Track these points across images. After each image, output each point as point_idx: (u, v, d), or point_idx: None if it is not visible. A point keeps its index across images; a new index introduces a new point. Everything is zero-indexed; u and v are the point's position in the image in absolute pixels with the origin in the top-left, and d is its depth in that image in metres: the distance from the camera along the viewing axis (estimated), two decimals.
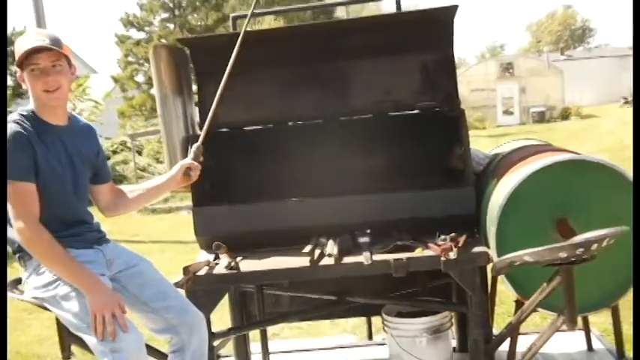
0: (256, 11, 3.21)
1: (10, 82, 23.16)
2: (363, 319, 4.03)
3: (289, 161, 3.28)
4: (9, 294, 2.66)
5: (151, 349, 2.60)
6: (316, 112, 3.33)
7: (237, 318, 3.51)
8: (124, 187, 2.87)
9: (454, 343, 3.31)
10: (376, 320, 3.70)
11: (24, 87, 2.46)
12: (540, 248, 2.33)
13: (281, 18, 23.08)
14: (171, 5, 30.44)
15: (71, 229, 2.49)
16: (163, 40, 24.54)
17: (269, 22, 20.92)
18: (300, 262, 2.74)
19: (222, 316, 3.56)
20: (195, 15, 30.37)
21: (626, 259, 2.63)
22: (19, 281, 2.65)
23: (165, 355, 2.65)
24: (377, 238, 2.82)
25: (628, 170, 2.69)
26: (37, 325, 5.84)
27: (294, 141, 3.30)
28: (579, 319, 3.12)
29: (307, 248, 2.79)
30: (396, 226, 2.91)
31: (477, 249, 2.71)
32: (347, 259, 2.72)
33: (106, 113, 20.17)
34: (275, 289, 3.35)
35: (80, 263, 2.37)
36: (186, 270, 2.74)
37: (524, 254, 2.36)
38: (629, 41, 39.46)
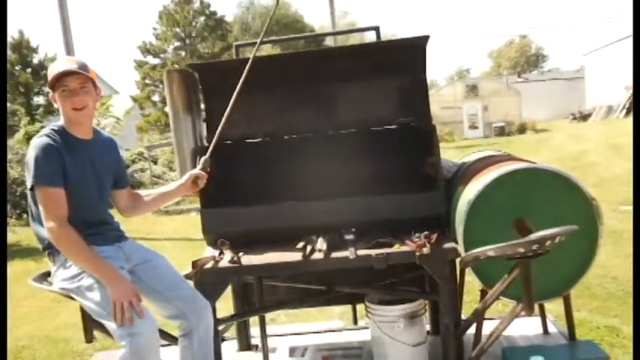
0: (257, 40, 3.21)
1: (42, 101, 23.12)
2: (349, 306, 4.02)
3: (284, 169, 3.28)
4: (40, 285, 2.64)
5: (163, 333, 2.59)
6: (308, 127, 3.33)
7: (239, 306, 3.50)
8: (140, 192, 2.85)
9: (428, 327, 3.30)
10: (360, 307, 3.69)
11: (55, 106, 2.46)
12: (502, 244, 2.34)
13: (278, 46, 23.11)
14: (182, 35, 30.47)
15: (94, 228, 2.48)
16: (176, 66, 24.53)
17: (267, 50, 20.92)
18: (294, 256, 2.73)
19: (226, 304, 3.53)
20: (204, 44, 30.42)
21: (575, 255, 2.65)
22: (48, 274, 2.63)
23: (176, 339, 2.64)
24: (360, 236, 2.82)
25: (576, 177, 2.70)
26: (64, 313, 5.80)
27: (288, 152, 3.30)
28: (536, 307, 3.13)
29: (300, 245, 2.78)
30: (377, 226, 2.90)
31: (447, 245, 2.71)
32: (335, 254, 2.71)
33: (126, 128, 20.07)
34: (272, 280, 3.35)
35: (102, 258, 2.36)
36: (194, 264, 2.74)
37: (488, 249, 2.36)
38: (576, 65, 39.80)
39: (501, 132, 26.03)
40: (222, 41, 30.09)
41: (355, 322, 3.98)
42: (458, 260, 2.70)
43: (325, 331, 3.87)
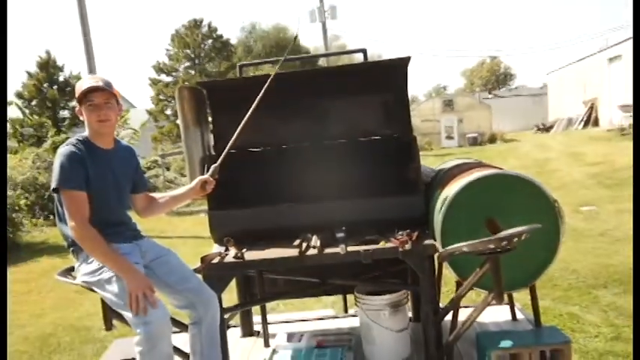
0: (258, 61, 3.21)
1: (67, 114, 23.03)
2: (340, 296, 4.01)
3: (283, 175, 3.27)
4: (64, 279, 2.63)
5: (174, 322, 2.57)
6: (304, 137, 3.33)
7: (242, 296, 3.49)
8: (155, 195, 2.84)
9: (410, 314, 3.30)
10: (350, 297, 3.69)
11: (81, 118, 2.46)
12: (474, 241, 2.34)
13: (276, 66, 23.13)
14: (192, 56, 30.47)
15: (114, 227, 2.47)
16: (186, 83, 24.49)
17: (267, 69, 20.92)
18: (292, 252, 2.72)
19: (230, 295, 3.52)
20: (211, 64, 30.43)
21: (540, 250, 2.65)
22: (72, 269, 2.62)
23: (186, 326, 2.63)
24: (350, 234, 2.81)
25: (540, 181, 2.70)
26: (86, 304, 5.77)
27: (287, 160, 3.29)
28: (505, 296, 3.14)
29: (297, 242, 2.78)
30: (365, 225, 2.90)
31: (426, 242, 2.71)
32: (327, 250, 2.70)
33: (142, 138, 20.02)
34: (272, 273, 3.34)
35: (120, 254, 2.36)
36: (203, 259, 2.73)
37: (462, 246, 2.37)
38: (540, 83, 39.99)
39: (474, 142, 26.05)
40: (227, 61, 30.07)
41: (346, 310, 3.97)
42: (436, 255, 2.70)
43: (319, 319, 3.87)
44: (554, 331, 2.84)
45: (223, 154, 2.81)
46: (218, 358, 2.62)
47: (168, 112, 28.88)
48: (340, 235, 2.80)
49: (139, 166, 2.76)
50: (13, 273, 7.86)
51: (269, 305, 3.88)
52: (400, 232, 2.72)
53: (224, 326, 2.80)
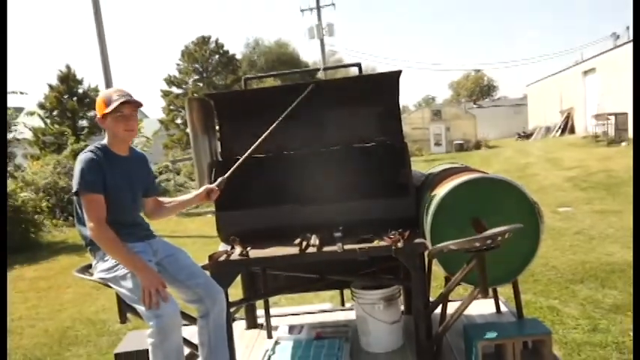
0: (261, 74, 3.21)
1: (86, 123, 23.00)
2: (337, 291, 4.00)
3: (284, 179, 3.26)
4: (82, 276, 2.61)
5: (184, 315, 2.56)
6: (303, 144, 3.32)
7: (247, 291, 3.47)
8: (163, 199, 2.84)
9: (402, 307, 3.29)
10: (347, 292, 3.68)
11: (102, 127, 2.46)
12: (461, 240, 2.34)
13: (278, 79, 23.15)
14: (200, 70, 30.51)
15: (128, 228, 2.46)
16: (195, 94, 24.52)
17: (269, 82, 20.92)
18: (293, 250, 2.71)
19: (236, 291, 3.51)
20: (218, 77, 30.48)
21: (522, 248, 2.65)
22: (89, 266, 2.60)
23: (194, 319, 2.61)
24: (347, 233, 2.80)
25: (521, 184, 2.70)
26: (102, 299, 5.75)
27: (288, 165, 3.28)
28: (490, 290, 3.13)
29: (297, 241, 2.76)
30: (360, 225, 2.89)
31: (417, 240, 2.70)
32: (326, 248, 2.69)
33: (154, 146, 20.03)
34: (274, 270, 3.33)
35: (134, 253, 2.34)
36: (210, 257, 2.72)
37: (450, 244, 2.36)
38: (520, 94, 40.04)
39: (461, 148, 26.07)
40: (232, 75, 30.13)
41: (342, 304, 3.95)
42: (426, 253, 2.69)
43: (318, 312, 3.85)
44: (535, 323, 2.83)
45: (232, 168, 2.80)
46: (225, 349, 2.60)
47: (179, 121, 28.89)
48: (337, 234, 2.78)
49: (151, 172, 2.77)
50: (34, 270, 7.84)
51: (271, 300, 3.86)
52: (393, 232, 2.71)
53: (230, 319, 2.79)
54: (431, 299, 2.92)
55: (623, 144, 16.21)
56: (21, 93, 11.76)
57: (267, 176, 3.28)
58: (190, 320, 2.70)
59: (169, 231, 9.61)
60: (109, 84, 12.77)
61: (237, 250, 2.78)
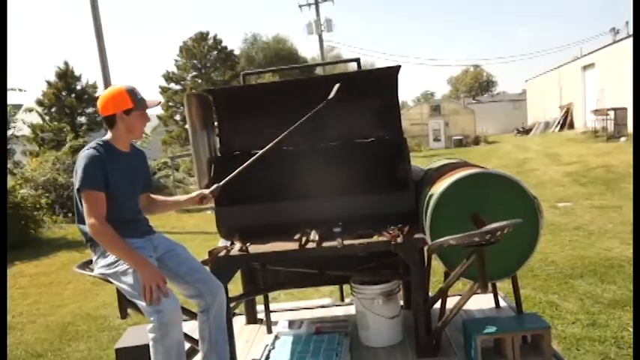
0: (259, 70, 3.20)
1: (84, 120, 22.94)
2: (337, 286, 4.00)
3: (284, 175, 3.26)
4: (82, 271, 2.62)
5: (185, 310, 2.57)
6: (303, 140, 3.32)
7: (247, 287, 3.47)
8: (156, 197, 2.84)
9: (402, 302, 3.30)
10: (346, 287, 3.69)
11: (114, 121, 2.43)
12: (461, 235, 2.34)
13: (277, 74, 23.11)
14: (199, 66, 30.41)
15: (129, 224, 2.46)
16: (194, 91, 24.48)
17: (268, 78, 20.92)
18: (292, 246, 2.72)
19: (236, 286, 3.52)
20: (216, 73, 30.35)
21: (521, 243, 2.65)
22: (89, 262, 2.61)
23: (195, 314, 2.62)
24: (346, 229, 2.81)
25: (520, 179, 2.71)
26: (102, 294, 5.76)
27: (287, 161, 3.29)
28: (489, 285, 3.13)
29: (297, 236, 2.77)
30: (360, 220, 2.90)
31: (416, 235, 2.71)
32: (325, 244, 2.70)
33: (153, 142, 19.98)
34: (274, 265, 3.33)
35: (134, 249, 2.34)
36: (210, 253, 2.72)
37: (450, 239, 2.36)
38: (519, 90, 39.99)
39: (459, 143, 26.06)
40: (231, 71, 30.02)
41: (342, 299, 3.96)
42: (425, 248, 2.70)
43: (317, 307, 3.86)
44: (534, 318, 2.84)
45: (228, 178, 2.78)
46: (225, 344, 2.61)
47: (177, 117, 28.83)
48: (337, 229, 2.79)
49: (149, 169, 2.78)
50: (35, 266, 7.84)
51: (271, 295, 3.87)
52: (392, 227, 2.72)
53: (230, 314, 2.79)
54: (430, 294, 2.93)
55: (623, 139, 16.21)
56: (19, 90, 11.72)
57: (266, 172, 3.28)
58: (191, 315, 2.71)
59: (169, 227, 9.62)
60: (107, 80, 12.75)
61: (237, 245, 2.79)
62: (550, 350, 2.57)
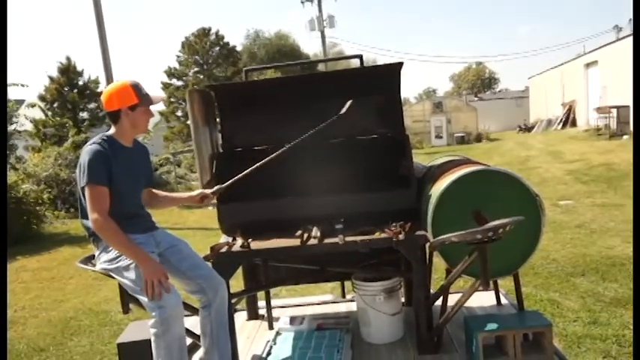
0: (262, 66, 3.19)
1: (86, 115, 22.95)
2: (339, 282, 4.01)
3: (285, 171, 3.26)
4: (85, 266, 2.62)
5: (186, 306, 2.57)
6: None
7: (248, 283, 3.48)
8: (160, 192, 2.86)
9: (403, 299, 3.30)
10: (347, 284, 3.69)
11: (119, 116, 2.42)
12: (463, 232, 2.34)
13: (279, 71, 23.06)
14: (201, 62, 30.40)
15: (131, 219, 2.46)
16: (196, 86, 24.46)
17: (270, 74, 20.86)
18: (294, 242, 2.72)
19: (237, 282, 3.52)
20: (218, 69, 30.35)
21: (523, 240, 2.65)
22: (92, 257, 2.61)
23: (197, 310, 2.63)
24: (348, 225, 2.81)
25: (522, 177, 2.70)
26: (104, 289, 5.78)
27: (289, 157, 3.28)
28: (491, 283, 3.13)
29: (298, 232, 2.77)
30: (362, 217, 2.90)
31: (418, 232, 2.71)
32: (327, 240, 2.70)
33: (155, 138, 19.99)
34: (276, 261, 3.34)
35: (136, 244, 2.35)
36: (212, 248, 2.73)
37: (452, 236, 2.36)
38: (522, 87, 39.90)
39: (461, 141, 26.02)
40: (233, 67, 30.00)
41: (343, 295, 3.97)
42: (427, 245, 2.70)
43: (319, 303, 3.86)
44: (536, 315, 2.84)
45: (231, 181, 2.80)
46: (226, 339, 2.61)
47: (179, 113, 28.85)
48: (339, 226, 2.79)
49: (150, 164, 2.79)
50: (37, 261, 7.86)
51: (273, 291, 3.87)
52: (394, 224, 2.72)
53: (232, 310, 2.80)
54: (431, 291, 2.93)
55: (625, 137, 16.18)
56: (22, 85, 11.75)
57: (268, 168, 3.28)
58: (192, 311, 2.72)
59: (171, 223, 9.63)
60: (109, 76, 12.74)
61: (239, 241, 2.79)
62: (551, 348, 2.57)
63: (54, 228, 10.65)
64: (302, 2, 28.06)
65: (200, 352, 2.67)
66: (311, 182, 3.15)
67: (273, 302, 3.62)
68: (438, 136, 27.51)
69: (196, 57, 30.33)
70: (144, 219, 2.58)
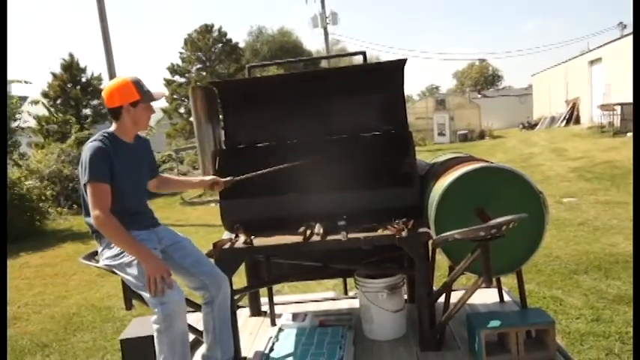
0: (264, 62, 3.20)
1: (89, 112, 22.96)
2: (341, 279, 4.01)
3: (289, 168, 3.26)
4: (88, 262, 2.63)
5: (189, 302, 2.58)
6: (307, 133, 3.32)
7: (251, 279, 3.48)
8: (171, 176, 2.98)
9: (406, 296, 3.30)
10: (350, 280, 3.69)
11: (120, 112, 2.42)
12: (466, 229, 2.33)
13: (281, 67, 23.04)
14: (204, 59, 30.37)
15: (134, 216, 2.46)
16: (198, 83, 24.45)
17: (273, 71, 20.84)
18: (297, 239, 2.72)
19: (240, 278, 3.53)
20: (221, 65, 30.30)
21: (526, 237, 2.64)
22: (95, 253, 2.62)
23: (199, 306, 2.63)
24: (351, 222, 2.81)
25: (526, 174, 2.69)
26: (107, 286, 5.80)
27: (291, 153, 3.27)
28: (494, 280, 3.13)
29: (301, 229, 2.77)
30: (364, 214, 2.89)
31: (421, 229, 2.70)
32: (329, 237, 2.70)
33: (157, 135, 20.03)
34: (278, 258, 3.34)
35: (138, 241, 2.35)
36: (215, 245, 2.73)
37: (455, 233, 2.36)
38: (525, 84, 39.74)
39: (464, 138, 25.94)
40: (236, 63, 29.97)
41: (346, 292, 3.97)
42: (430, 242, 2.70)
43: (321, 300, 3.87)
44: (539, 313, 2.83)
45: (246, 175, 2.85)
46: (229, 336, 2.62)
47: (182, 110, 28.84)
48: (342, 223, 2.79)
49: (153, 154, 2.77)
50: (40, 257, 7.89)
51: (275, 287, 3.88)
52: (397, 221, 2.71)
53: (234, 306, 2.80)
54: (434, 288, 2.92)
55: (629, 134, 16.11)
56: (25, 82, 11.75)
57: (271, 165, 3.28)
58: (195, 307, 2.72)
59: (174, 219, 9.66)
60: (112, 72, 12.75)
61: (242, 238, 2.79)
62: (554, 345, 2.57)
63: (57, 224, 10.69)
64: None
65: (203, 349, 2.68)
66: (314, 179, 3.15)
67: (276, 299, 3.62)
68: (441, 134, 27.43)
69: (199, 54, 30.31)
70: (146, 216, 2.58)
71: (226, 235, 3.00)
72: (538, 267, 4.97)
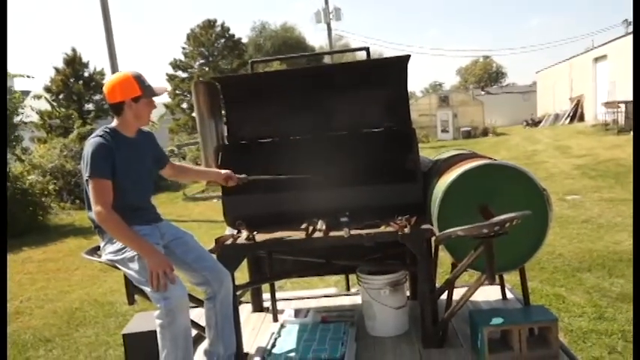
0: (267, 58, 3.19)
1: (92, 107, 22.97)
2: (343, 275, 4.02)
3: (291, 164, 3.25)
4: (90, 257, 2.63)
5: (191, 297, 2.58)
6: (310, 129, 3.32)
7: (253, 275, 3.49)
8: (184, 165, 3.06)
9: (408, 293, 3.30)
10: (352, 277, 3.69)
11: (122, 108, 2.42)
12: (469, 226, 2.33)
13: (284, 63, 23.00)
14: (206, 54, 30.33)
15: (136, 211, 2.46)
16: (201, 78, 24.44)
17: (276, 66, 20.81)
18: (299, 235, 2.72)
19: (242, 274, 3.53)
20: (224, 60, 30.25)
21: (529, 235, 2.64)
22: (97, 248, 2.62)
23: (202, 302, 2.64)
24: (353, 219, 2.81)
25: (529, 171, 2.69)
26: (110, 281, 5.81)
27: (294, 150, 3.28)
28: (496, 277, 3.13)
29: (304, 225, 2.77)
30: (367, 210, 2.89)
31: (424, 226, 2.70)
32: (332, 233, 2.70)
33: (160, 130, 20.02)
34: (280, 254, 3.34)
35: (140, 236, 2.35)
36: (217, 240, 2.73)
37: (458, 230, 2.35)
38: (529, 81, 39.59)
39: (468, 135, 25.87)
40: (239, 59, 29.92)
41: (348, 289, 3.97)
42: (433, 239, 2.70)
43: (323, 296, 3.87)
44: (541, 310, 2.83)
45: (260, 176, 2.89)
46: (231, 331, 2.63)
47: (184, 105, 28.83)
48: (344, 219, 2.79)
49: (158, 145, 2.75)
50: (42, 252, 7.91)
51: (277, 283, 3.89)
52: (400, 217, 2.71)
53: (236, 302, 2.81)
54: (437, 285, 2.92)
55: None
56: (28, 76, 11.76)
57: (274, 161, 3.27)
58: (197, 302, 2.73)
59: (176, 215, 9.67)
60: (114, 67, 12.76)
61: (244, 233, 2.79)
62: (557, 343, 2.57)
63: (60, 219, 10.71)
64: None
65: (205, 344, 2.68)
66: (316, 175, 3.15)
67: (278, 295, 3.63)
68: (445, 130, 27.36)
69: (202, 49, 30.26)
70: (148, 211, 2.58)
71: (229, 230, 3.00)
72: (541, 264, 4.96)
